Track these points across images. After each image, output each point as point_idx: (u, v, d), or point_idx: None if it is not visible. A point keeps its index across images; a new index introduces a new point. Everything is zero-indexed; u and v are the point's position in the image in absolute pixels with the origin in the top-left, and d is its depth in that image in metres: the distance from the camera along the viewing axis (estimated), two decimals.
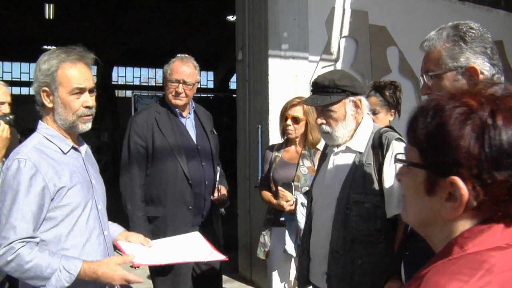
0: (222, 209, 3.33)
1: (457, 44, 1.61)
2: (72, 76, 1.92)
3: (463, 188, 0.86)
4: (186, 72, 3.12)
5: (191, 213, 3.08)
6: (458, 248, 0.89)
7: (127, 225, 2.45)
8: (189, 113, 3.28)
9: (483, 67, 1.59)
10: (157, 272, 3.07)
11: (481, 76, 1.59)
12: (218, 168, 3.30)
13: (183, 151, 3.10)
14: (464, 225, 0.91)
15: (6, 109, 3.13)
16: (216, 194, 3.21)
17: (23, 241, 1.78)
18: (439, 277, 0.84)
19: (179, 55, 3.26)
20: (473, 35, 1.61)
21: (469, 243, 0.88)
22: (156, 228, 3.03)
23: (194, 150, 3.18)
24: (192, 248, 2.36)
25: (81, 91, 1.94)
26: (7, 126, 2.55)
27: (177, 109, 3.19)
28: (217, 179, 3.26)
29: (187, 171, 3.07)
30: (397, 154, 1.05)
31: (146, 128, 3.09)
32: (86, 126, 1.99)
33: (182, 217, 3.05)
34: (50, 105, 1.94)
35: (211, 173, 3.23)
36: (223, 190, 3.26)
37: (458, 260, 0.87)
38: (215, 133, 3.40)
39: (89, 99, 1.97)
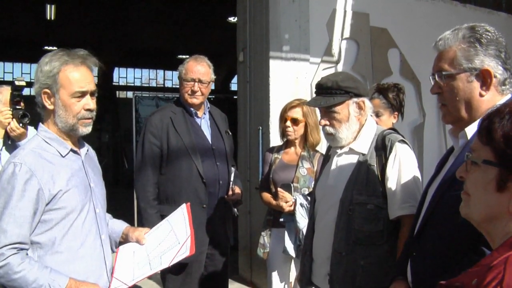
0: (235, 210, 3.34)
1: (473, 46, 1.61)
2: (74, 78, 1.91)
3: None
4: (201, 70, 3.19)
5: (205, 212, 3.10)
6: None
7: (130, 223, 2.43)
8: (204, 113, 3.32)
9: (496, 70, 1.60)
10: (168, 270, 3.08)
11: (494, 79, 1.59)
12: (233, 169, 3.34)
13: (197, 150, 3.14)
14: None
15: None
16: (230, 194, 3.25)
17: (14, 248, 1.77)
18: None
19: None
20: (489, 37, 1.61)
21: None
22: None
23: (209, 150, 3.22)
24: (171, 239, 2.26)
25: (82, 94, 1.93)
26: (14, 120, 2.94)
27: (192, 109, 3.23)
28: (232, 179, 3.29)
29: (202, 170, 3.10)
30: (467, 153, 1.10)
31: (161, 128, 3.13)
32: (86, 129, 1.98)
33: (195, 216, 3.05)
34: (50, 107, 1.93)
35: (225, 173, 3.26)
36: (238, 190, 3.30)
37: None
38: (230, 133, 3.44)
39: (90, 102, 1.96)
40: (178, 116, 3.19)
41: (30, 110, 2.97)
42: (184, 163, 3.10)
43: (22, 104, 3.11)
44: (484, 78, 1.60)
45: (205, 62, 3.23)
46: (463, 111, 1.64)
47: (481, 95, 1.61)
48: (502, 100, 1.61)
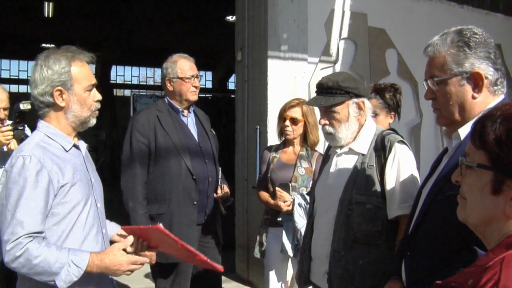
0: (223, 208, 3.35)
1: (462, 50, 1.62)
2: (84, 73, 1.97)
3: None
4: (194, 66, 3.27)
5: (196, 209, 3.10)
6: None
7: (125, 223, 2.44)
8: (189, 112, 3.33)
9: (487, 71, 1.61)
10: (159, 269, 3.08)
11: (485, 81, 1.61)
12: (219, 168, 3.34)
13: (186, 148, 3.14)
14: None
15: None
16: (219, 192, 3.25)
17: (30, 236, 1.77)
18: None
19: (174, 55, 3.34)
20: (477, 40, 1.63)
21: None
22: None
23: (197, 148, 3.23)
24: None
25: (92, 87, 1.99)
26: (14, 141, 2.93)
27: (179, 107, 3.25)
28: (219, 177, 3.30)
29: (192, 168, 3.10)
30: (461, 157, 1.11)
31: (148, 126, 3.12)
32: (94, 120, 2.04)
33: (187, 214, 3.08)
34: (62, 104, 1.94)
35: (213, 171, 3.27)
36: (226, 189, 3.31)
37: None
38: (214, 132, 3.45)
39: (97, 94, 2.02)
40: (164, 114, 3.19)
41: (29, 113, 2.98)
42: (173, 160, 3.10)
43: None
44: (476, 80, 1.61)
45: (191, 58, 3.31)
46: (457, 114, 1.66)
47: (473, 98, 1.63)
48: (495, 101, 1.63)
